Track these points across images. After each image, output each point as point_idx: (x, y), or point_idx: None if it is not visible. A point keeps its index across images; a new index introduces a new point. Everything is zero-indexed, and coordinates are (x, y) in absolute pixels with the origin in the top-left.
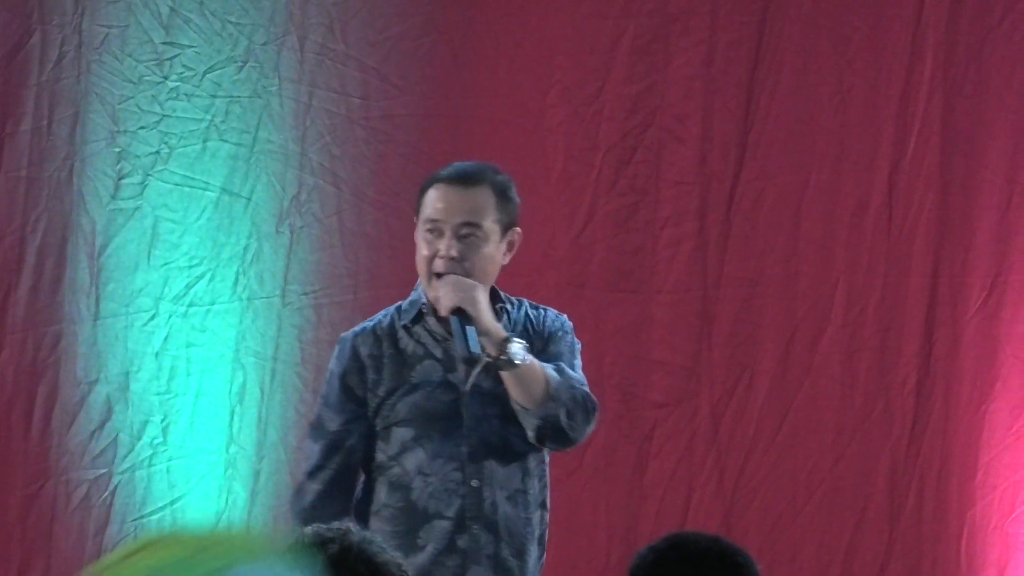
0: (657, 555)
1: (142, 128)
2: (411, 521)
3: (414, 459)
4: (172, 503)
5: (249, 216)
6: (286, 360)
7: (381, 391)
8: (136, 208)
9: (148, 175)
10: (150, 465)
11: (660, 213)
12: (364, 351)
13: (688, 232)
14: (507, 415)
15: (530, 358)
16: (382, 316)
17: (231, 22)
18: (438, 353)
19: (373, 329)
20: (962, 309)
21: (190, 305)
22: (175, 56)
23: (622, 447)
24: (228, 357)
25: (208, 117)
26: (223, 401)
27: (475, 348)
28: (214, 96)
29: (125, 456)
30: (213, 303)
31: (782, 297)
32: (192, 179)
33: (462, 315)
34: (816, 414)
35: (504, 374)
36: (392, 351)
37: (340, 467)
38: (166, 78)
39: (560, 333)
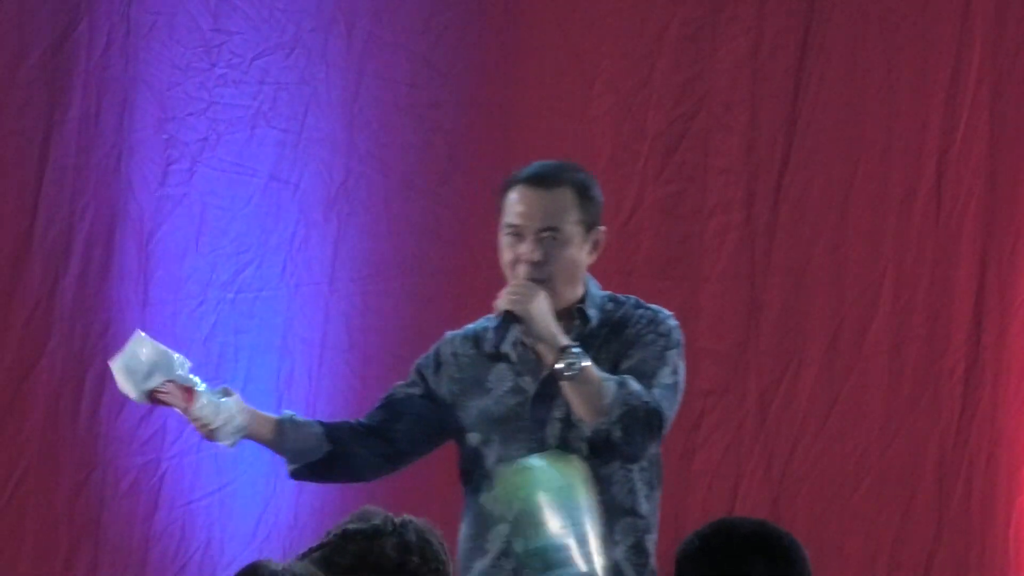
0: (703, 541)
1: (190, 115)
2: (481, 526)
3: (483, 463)
4: (220, 489)
5: (296, 203)
6: (334, 347)
7: (455, 388)
8: (184, 195)
9: (196, 162)
10: (198, 451)
11: (707, 201)
12: (448, 350)
13: (735, 220)
14: (570, 420)
15: (586, 366)
16: (484, 319)
17: (279, 9)
18: (513, 356)
19: (467, 332)
20: (1011, 297)
21: (238, 292)
22: (223, 43)
23: (669, 435)
24: (276, 344)
25: (256, 104)
26: (271, 387)
27: (506, 346)
28: (262, 83)
29: (173, 442)
30: (261, 290)
31: (830, 285)
32: (240, 166)
33: (513, 318)
34: (864, 403)
35: (562, 384)
36: (475, 351)
37: (377, 414)
38: (214, 65)
39: (651, 336)
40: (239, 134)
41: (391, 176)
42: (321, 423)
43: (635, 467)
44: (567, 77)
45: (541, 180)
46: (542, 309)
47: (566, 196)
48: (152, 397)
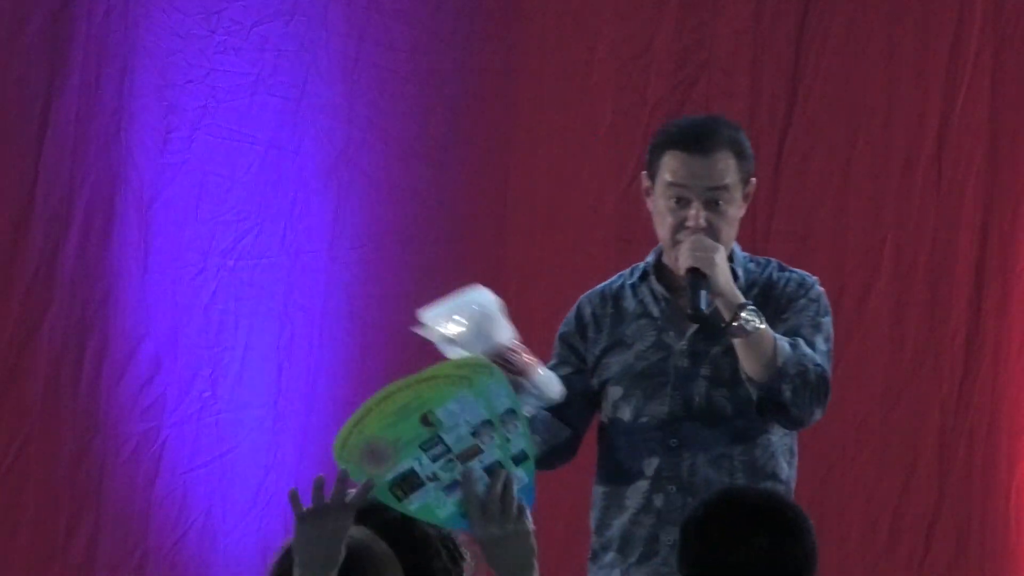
0: (708, 510)
1: (190, 82)
2: (618, 481)
3: (622, 418)
4: (221, 456)
5: (296, 170)
6: (334, 314)
7: (598, 348)
8: (184, 162)
9: (196, 129)
10: (198, 419)
11: None
12: (588, 311)
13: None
14: (717, 378)
15: (763, 327)
16: (617, 276)
17: None
18: (655, 312)
19: (603, 291)
20: (1012, 263)
21: (238, 259)
22: (223, 10)
23: None
24: (276, 311)
25: (255, 71)
26: (271, 355)
27: (703, 306)
28: (262, 50)
29: (174, 410)
30: (261, 257)
31: (831, 251)
32: (240, 133)
33: (698, 275)
34: (866, 369)
35: (735, 341)
36: (614, 310)
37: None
38: (213, 32)
39: (803, 302)
40: (239, 101)
41: (391, 143)
42: None
43: (776, 432)
44: (568, 44)
45: (702, 143)
46: (723, 265)
47: (727, 156)
48: (498, 355)
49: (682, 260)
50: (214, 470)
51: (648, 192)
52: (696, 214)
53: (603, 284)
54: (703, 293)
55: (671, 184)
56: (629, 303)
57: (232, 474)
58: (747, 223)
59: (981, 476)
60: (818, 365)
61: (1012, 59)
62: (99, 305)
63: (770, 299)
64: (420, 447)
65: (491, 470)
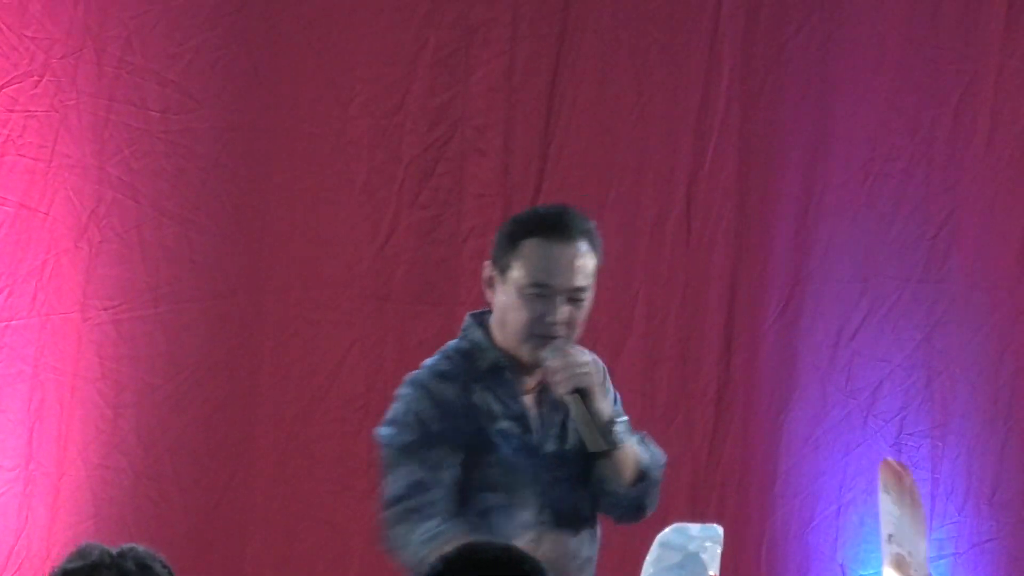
0: (447, 564)
1: None
2: None
3: (496, 526)
4: None
5: (47, 231)
6: (86, 376)
7: (473, 442)
8: None
9: None
10: None
11: (463, 225)
12: (448, 395)
13: (491, 245)
14: (575, 478)
15: (629, 439)
16: (444, 361)
17: (27, 36)
18: (515, 410)
19: (443, 375)
20: (760, 319)
21: None
22: None
23: None
24: (27, 373)
25: (5, 132)
26: (22, 418)
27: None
28: (11, 111)
29: None
30: (11, 319)
31: None
32: None
33: (583, 396)
34: None
35: (605, 455)
36: (466, 403)
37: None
38: None
39: (608, 385)
40: None
41: (143, 202)
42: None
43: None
44: (322, 102)
45: (566, 236)
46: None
47: (588, 251)
48: None
49: (562, 380)
50: None
51: (491, 282)
52: (560, 310)
53: (436, 367)
54: (608, 421)
55: (537, 281)
56: (482, 399)
57: None
58: None
59: (732, 532)
60: (663, 459)
61: (759, 116)
62: None
63: None
64: None
65: None
